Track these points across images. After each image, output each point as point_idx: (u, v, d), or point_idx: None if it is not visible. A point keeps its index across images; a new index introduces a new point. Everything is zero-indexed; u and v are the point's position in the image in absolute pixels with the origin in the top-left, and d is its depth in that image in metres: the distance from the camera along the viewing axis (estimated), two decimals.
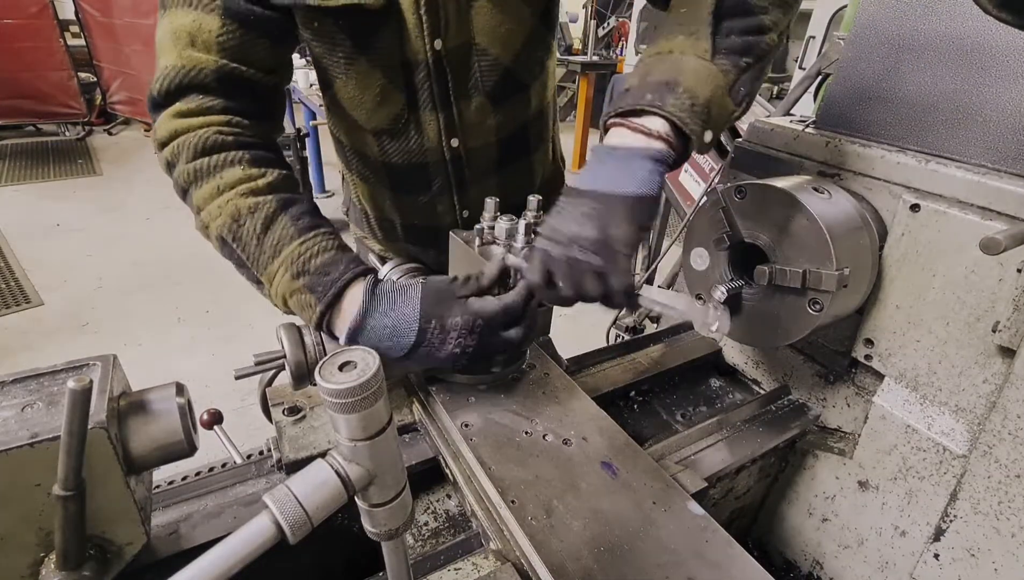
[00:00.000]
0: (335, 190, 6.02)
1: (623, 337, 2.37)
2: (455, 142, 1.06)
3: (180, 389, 0.72)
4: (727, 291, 0.98)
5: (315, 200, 4.90)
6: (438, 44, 0.94)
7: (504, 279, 0.83)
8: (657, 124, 0.74)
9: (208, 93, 0.86)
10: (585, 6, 9.59)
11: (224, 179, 0.84)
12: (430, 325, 0.77)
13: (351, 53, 0.93)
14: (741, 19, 0.79)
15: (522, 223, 0.90)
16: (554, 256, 0.75)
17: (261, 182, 0.85)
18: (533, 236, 0.91)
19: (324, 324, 0.81)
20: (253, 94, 0.90)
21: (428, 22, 0.91)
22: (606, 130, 0.80)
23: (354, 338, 0.79)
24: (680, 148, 0.75)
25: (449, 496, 0.92)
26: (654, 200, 0.74)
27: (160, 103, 0.87)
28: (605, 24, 8.50)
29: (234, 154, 0.85)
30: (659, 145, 0.74)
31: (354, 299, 0.79)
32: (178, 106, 0.86)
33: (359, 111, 1.02)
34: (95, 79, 7.53)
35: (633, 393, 1.20)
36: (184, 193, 0.88)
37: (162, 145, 0.87)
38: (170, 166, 0.87)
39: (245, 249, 0.84)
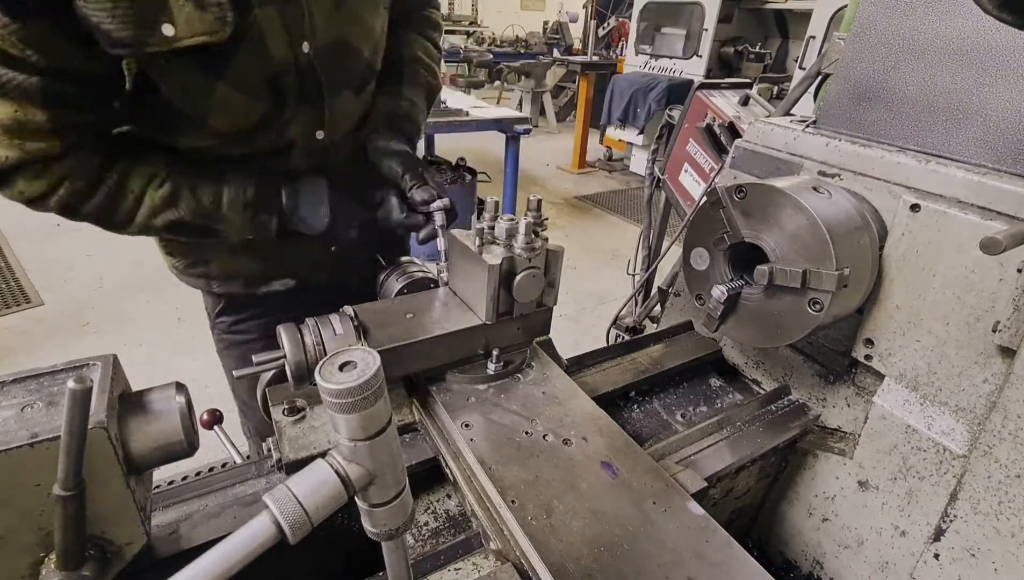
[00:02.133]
0: None
1: (623, 337, 2.37)
2: (320, 134, 1.12)
3: (180, 389, 0.72)
4: (727, 291, 0.98)
5: None
6: (306, 47, 0.99)
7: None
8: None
9: (58, 161, 0.90)
10: (585, 6, 9.60)
11: (131, 189, 0.96)
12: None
13: (204, 84, 0.92)
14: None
15: (522, 222, 0.90)
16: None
17: (161, 172, 0.98)
18: (533, 236, 0.91)
19: (281, 225, 1.06)
20: (97, 124, 0.94)
21: (294, 28, 0.96)
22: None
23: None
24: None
25: (449, 496, 0.92)
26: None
27: (6, 176, 0.89)
28: (605, 24, 8.50)
29: (117, 169, 0.94)
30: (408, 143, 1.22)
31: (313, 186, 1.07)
32: (28, 176, 0.89)
33: (219, 122, 0.99)
34: None
35: (633, 393, 1.20)
36: (99, 220, 0.98)
37: (38, 200, 0.92)
38: (69, 206, 0.93)
39: (194, 216, 1.00)
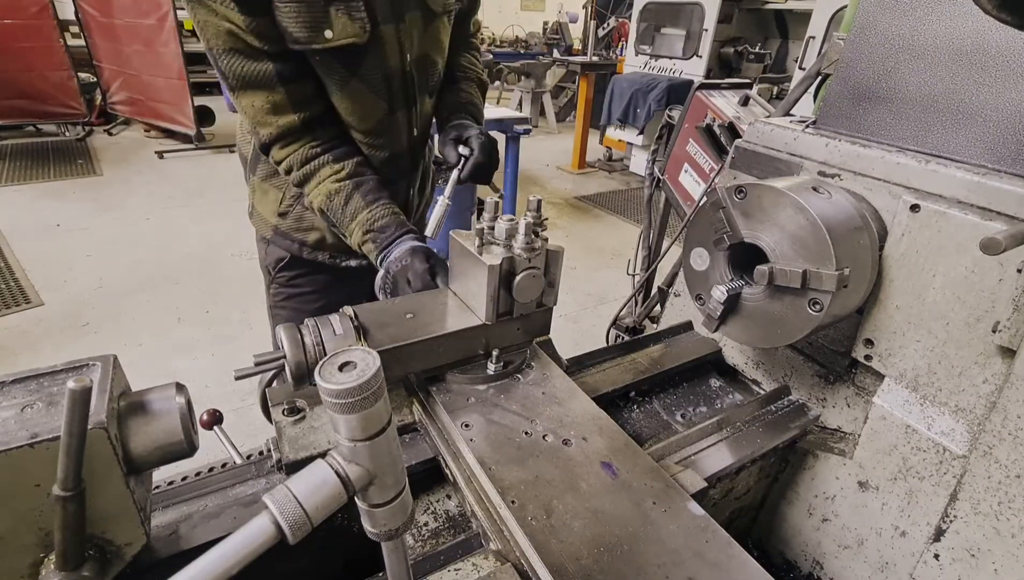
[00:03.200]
0: None
1: (623, 337, 2.37)
2: (415, 132, 1.42)
3: (180, 389, 0.72)
4: (727, 291, 0.98)
5: None
6: (408, 57, 1.28)
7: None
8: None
9: (300, 132, 1.24)
10: (585, 6, 9.60)
11: (320, 175, 1.26)
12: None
13: (344, 76, 1.22)
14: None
15: (522, 223, 0.90)
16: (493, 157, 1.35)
17: (342, 173, 1.26)
18: (533, 236, 0.91)
19: (379, 262, 1.22)
20: (323, 117, 1.26)
21: (403, 42, 1.25)
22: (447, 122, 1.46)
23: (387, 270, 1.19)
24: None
25: (449, 496, 0.92)
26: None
27: (266, 149, 1.27)
28: (605, 24, 8.50)
29: (323, 158, 1.26)
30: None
31: (404, 246, 1.21)
32: (280, 144, 1.25)
33: (351, 116, 1.29)
34: (95, 79, 7.52)
35: (633, 393, 1.20)
36: (296, 184, 1.30)
37: (278, 161, 1.28)
38: (288, 171, 1.28)
39: (335, 215, 1.27)
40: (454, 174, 1.32)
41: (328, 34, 1.13)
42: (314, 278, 1.58)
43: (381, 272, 1.19)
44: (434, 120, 1.54)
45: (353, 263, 1.53)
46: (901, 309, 0.96)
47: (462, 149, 1.33)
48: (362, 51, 1.19)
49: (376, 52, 1.22)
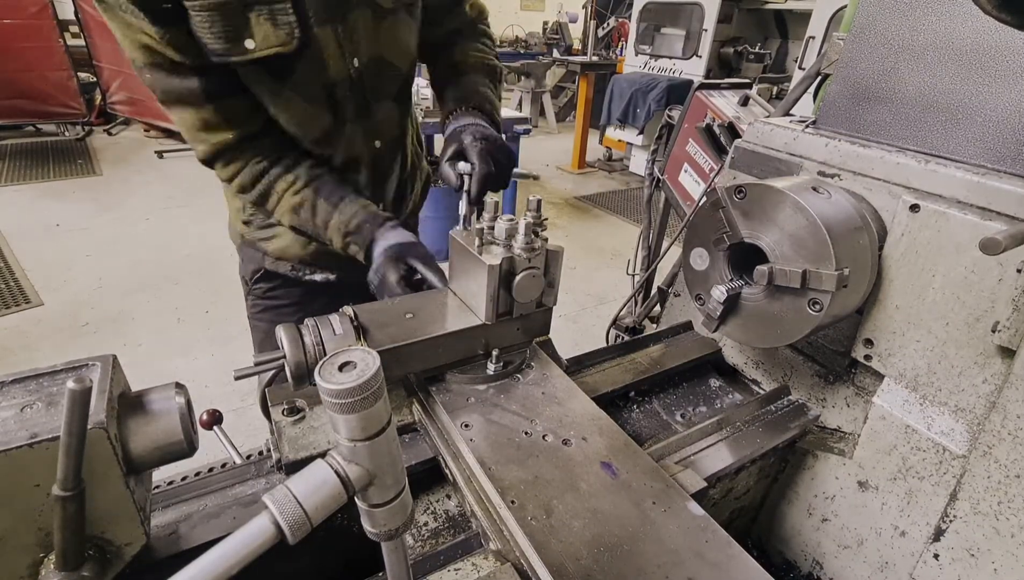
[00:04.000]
0: None
1: (623, 337, 2.37)
2: (377, 143, 1.31)
3: (180, 389, 0.72)
4: (727, 291, 0.98)
5: None
6: (355, 63, 1.17)
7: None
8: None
9: (238, 149, 1.16)
10: (585, 6, 9.60)
11: (276, 191, 1.19)
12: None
13: (274, 87, 1.12)
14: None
15: (522, 223, 0.90)
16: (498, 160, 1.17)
17: (298, 183, 1.19)
18: (533, 236, 0.91)
19: (365, 259, 1.17)
20: (262, 132, 1.17)
21: (347, 47, 1.13)
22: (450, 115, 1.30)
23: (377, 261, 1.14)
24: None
25: (449, 496, 0.92)
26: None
27: (208, 165, 1.19)
28: (605, 24, 8.50)
29: (272, 173, 1.18)
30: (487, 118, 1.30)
31: (380, 247, 1.14)
32: (221, 162, 1.18)
33: (291, 127, 1.19)
34: (95, 79, 7.53)
35: (633, 393, 1.20)
36: (256, 205, 1.26)
37: (228, 181, 1.21)
38: (241, 192, 1.22)
39: (309, 229, 1.22)
40: (462, 201, 1.15)
41: (249, 44, 1.01)
42: (289, 290, 1.48)
43: (370, 275, 1.15)
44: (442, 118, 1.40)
45: (318, 277, 1.44)
46: (901, 309, 0.96)
47: (462, 166, 1.15)
48: (292, 60, 1.07)
49: (311, 59, 1.10)
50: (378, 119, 1.28)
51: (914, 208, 0.91)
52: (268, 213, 1.26)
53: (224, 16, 0.97)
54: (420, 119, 2.79)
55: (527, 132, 4.65)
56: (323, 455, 0.51)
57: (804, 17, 5.52)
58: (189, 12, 0.96)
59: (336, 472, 0.50)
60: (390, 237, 1.14)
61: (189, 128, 1.11)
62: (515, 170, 1.28)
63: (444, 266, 1.10)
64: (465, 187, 1.14)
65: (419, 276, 1.09)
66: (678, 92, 6.09)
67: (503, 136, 1.29)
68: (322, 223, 1.19)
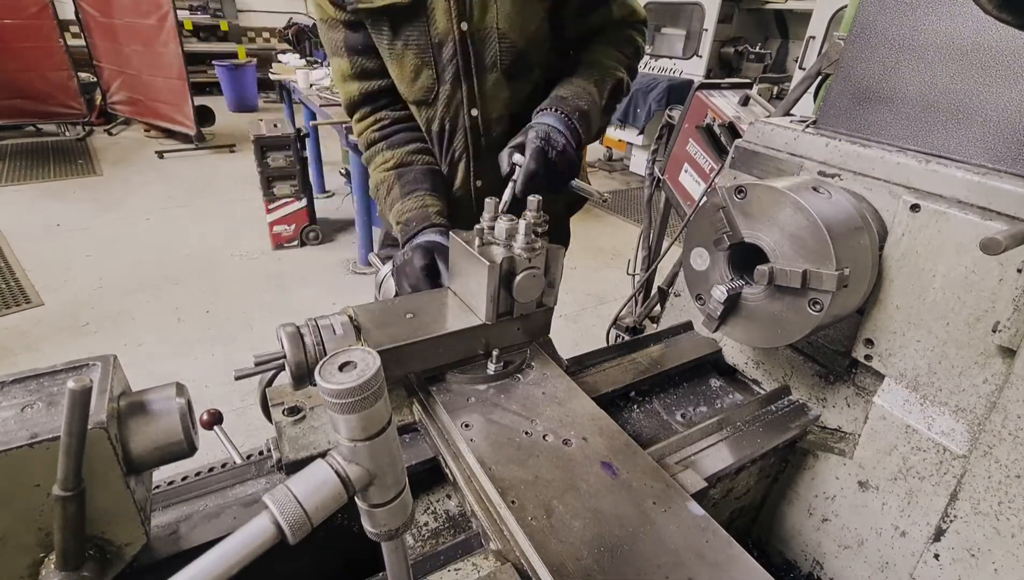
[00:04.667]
0: (335, 190, 6.03)
1: (623, 337, 2.37)
2: (474, 112, 1.33)
3: (180, 389, 0.72)
4: (727, 291, 0.98)
5: (316, 199, 4.88)
6: (464, 26, 1.22)
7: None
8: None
9: (363, 106, 1.37)
10: None
11: (375, 162, 1.38)
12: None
13: (390, 39, 1.24)
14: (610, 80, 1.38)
15: (522, 223, 0.90)
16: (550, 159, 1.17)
17: (390, 163, 1.35)
18: (533, 236, 0.91)
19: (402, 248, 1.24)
20: (384, 94, 1.35)
21: (456, 8, 1.19)
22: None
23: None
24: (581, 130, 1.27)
25: (449, 496, 0.92)
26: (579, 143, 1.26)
27: (349, 115, 1.42)
28: None
29: (379, 145, 1.37)
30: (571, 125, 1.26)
31: (416, 241, 1.23)
32: (355, 117, 1.40)
33: (401, 85, 1.32)
34: (95, 79, 7.52)
35: (633, 393, 1.20)
36: (368, 168, 1.43)
37: (358, 137, 1.41)
38: (361, 152, 1.42)
39: (380, 202, 1.39)
40: (507, 190, 1.15)
41: None
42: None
43: (397, 255, 1.21)
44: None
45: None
46: (901, 309, 0.96)
47: (516, 157, 1.14)
48: (407, 14, 1.19)
49: (422, 16, 1.20)
50: (484, 90, 1.30)
51: (915, 208, 0.91)
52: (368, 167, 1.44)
53: None
54: None
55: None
56: (323, 455, 0.51)
57: (804, 17, 5.52)
58: None
59: (336, 472, 0.50)
60: (429, 235, 1.24)
61: (336, 76, 1.34)
62: (575, 182, 1.25)
63: None
64: (514, 176, 1.15)
65: (440, 277, 1.14)
66: (678, 92, 6.09)
67: (579, 148, 1.25)
68: (388, 205, 1.33)
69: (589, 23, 1.36)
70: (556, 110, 1.25)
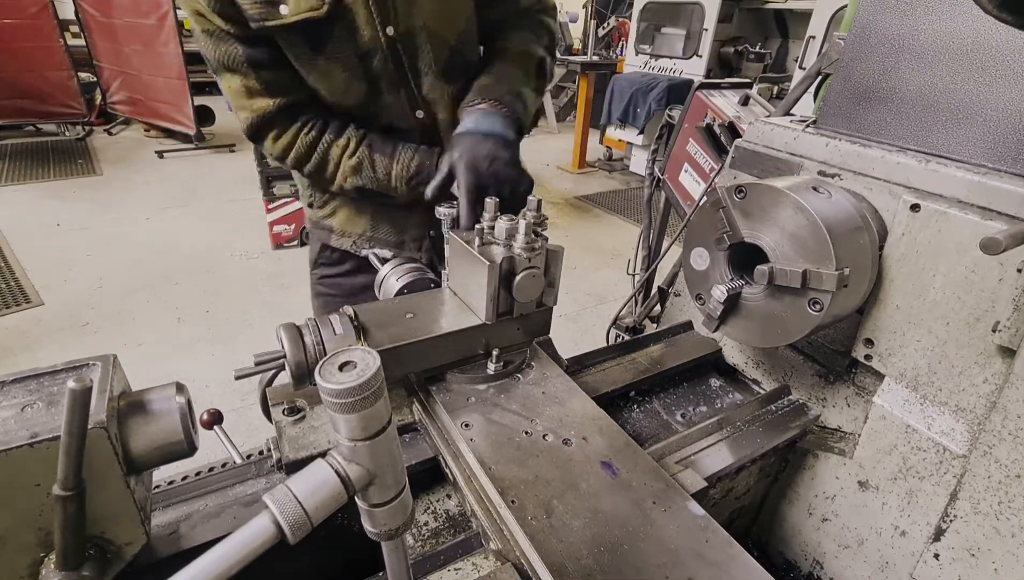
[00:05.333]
0: None
1: (623, 337, 2.37)
2: (420, 113, 1.28)
3: (180, 389, 0.72)
4: (727, 291, 0.98)
5: None
6: (390, 31, 1.14)
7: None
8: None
9: (280, 120, 1.21)
10: (585, 6, 9.59)
11: (332, 158, 1.23)
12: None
13: (309, 55, 1.15)
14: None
15: (522, 223, 0.90)
16: (482, 172, 1.08)
17: (352, 145, 1.22)
18: (533, 236, 0.91)
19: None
20: (302, 103, 1.21)
21: (378, 12, 1.11)
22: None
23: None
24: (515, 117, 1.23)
25: (449, 496, 0.92)
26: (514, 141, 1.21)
27: (254, 138, 1.25)
28: (605, 24, 8.49)
29: (325, 140, 1.22)
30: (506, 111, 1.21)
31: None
32: (271, 136, 1.23)
33: (331, 97, 1.22)
34: (95, 79, 7.53)
35: (633, 393, 1.20)
36: (313, 178, 1.30)
37: (281, 159, 1.25)
38: (298, 167, 1.26)
39: (371, 183, 1.25)
40: (462, 215, 1.05)
41: (283, 9, 1.06)
42: (337, 281, 1.51)
43: (438, 178, 1.11)
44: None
45: (377, 251, 1.35)
46: (901, 309, 0.96)
47: (440, 211, 1.05)
48: (325, 27, 1.10)
49: (344, 27, 1.11)
50: (423, 92, 1.24)
51: (915, 208, 0.91)
52: (325, 186, 1.31)
53: None
54: None
55: (528, 132, 4.65)
56: (323, 455, 0.51)
57: (804, 17, 5.52)
58: None
59: (336, 472, 0.50)
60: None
61: (235, 95, 1.17)
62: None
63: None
64: (446, 227, 1.04)
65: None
66: (678, 92, 6.09)
67: (525, 133, 1.24)
68: (384, 176, 1.23)
69: (498, 12, 1.33)
70: (483, 101, 1.21)
